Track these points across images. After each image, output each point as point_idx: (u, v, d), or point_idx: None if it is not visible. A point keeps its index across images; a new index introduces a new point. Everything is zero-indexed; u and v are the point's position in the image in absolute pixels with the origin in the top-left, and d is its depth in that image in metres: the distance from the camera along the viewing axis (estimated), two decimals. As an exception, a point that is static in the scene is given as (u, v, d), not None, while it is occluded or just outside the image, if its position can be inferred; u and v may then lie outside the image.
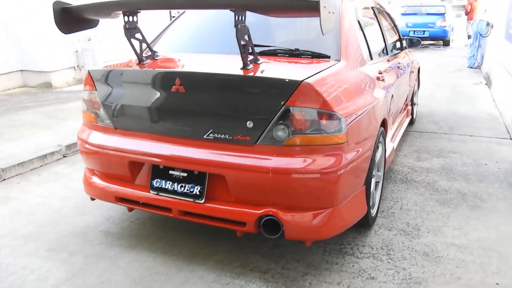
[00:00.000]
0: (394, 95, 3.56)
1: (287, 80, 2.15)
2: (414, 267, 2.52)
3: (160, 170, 2.46)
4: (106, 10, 2.39)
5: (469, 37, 11.93)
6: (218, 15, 3.11)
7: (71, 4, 2.45)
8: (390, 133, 3.55)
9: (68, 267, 2.56)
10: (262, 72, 2.32)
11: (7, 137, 4.88)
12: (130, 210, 2.77)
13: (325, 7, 1.95)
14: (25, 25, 7.64)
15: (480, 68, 9.95)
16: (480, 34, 9.84)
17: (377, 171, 3.04)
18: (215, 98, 2.29)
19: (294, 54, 2.74)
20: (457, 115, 5.98)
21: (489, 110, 6.25)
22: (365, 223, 2.82)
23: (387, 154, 3.27)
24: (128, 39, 2.46)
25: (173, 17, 3.43)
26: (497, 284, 2.37)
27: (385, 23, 4.15)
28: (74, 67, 8.15)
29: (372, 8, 3.82)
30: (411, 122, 5.36)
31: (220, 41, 2.97)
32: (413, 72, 4.98)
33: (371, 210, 2.87)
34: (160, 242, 2.81)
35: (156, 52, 2.73)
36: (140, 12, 2.44)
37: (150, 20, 4.38)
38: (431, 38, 15.06)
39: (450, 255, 2.64)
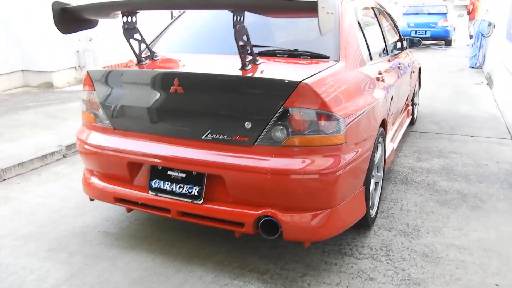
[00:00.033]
0: (394, 95, 3.55)
1: (285, 81, 2.15)
2: (413, 268, 2.51)
3: (159, 171, 2.46)
4: (104, 10, 2.39)
5: (471, 37, 11.91)
6: (217, 15, 3.11)
7: (70, 4, 2.45)
8: (390, 134, 3.54)
9: (68, 268, 2.56)
10: (260, 72, 2.32)
11: (8, 137, 4.89)
12: (129, 210, 2.77)
13: (323, 7, 1.94)
14: (26, 25, 7.66)
15: (481, 68, 9.93)
16: (482, 34, 9.82)
17: (377, 172, 3.04)
18: (214, 99, 2.28)
19: (293, 54, 2.74)
20: (458, 115, 5.96)
21: (490, 110, 6.24)
22: (365, 224, 2.81)
23: (387, 155, 3.27)
24: (127, 40, 2.46)
25: (175, 16, 3.42)
26: (496, 285, 2.37)
27: (385, 24, 4.14)
28: (75, 67, 8.16)
29: (372, 8, 3.81)
30: (412, 123, 5.35)
31: (219, 41, 2.97)
32: (413, 72, 4.97)
33: (371, 211, 2.86)
34: (159, 242, 2.81)
35: (155, 52, 2.73)
36: (138, 12, 2.44)
37: (152, 20, 4.39)
38: (433, 38, 15.03)
39: (450, 256, 2.64)
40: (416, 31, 14.76)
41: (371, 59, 3.13)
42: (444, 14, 14.99)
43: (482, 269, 2.50)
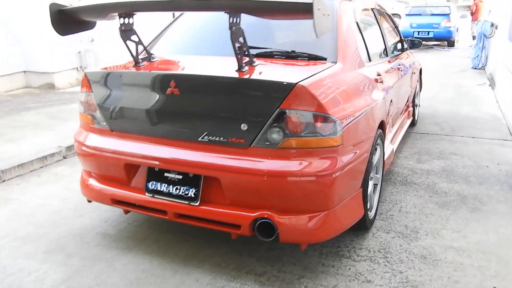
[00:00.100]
0: (394, 96, 3.54)
1: (281, 83, 2.14)
2: (411, 270, 2.50)
3: (156, 173, 2.45)
4: (101, 12, 2.40)
5: (473, 37, 11.88)
6: (215, 17, 3.10)
7: (67, 6, 2.46)
8: (389, 135, 3.53)
9: (65, 269, 2.56)
10: (257, 74, 2.32)
11: (9, 137, 4.90)
12: (126, 212, 2.77)
13: (319, 9, 1.94)
14: (26, 25, 7.67)
15: (484, 69, 9.89)
16: (484, 35, 9.78)
17: (376, 174, 3.03)
18: (210, 101, 2.28)
19: (290, 56, 2.73)
20: (460, 117, 5.94)
21: (492, 111, 6.21)
22: (363, 226, 2.80)
23: (386, 156, 3.26)
24: (124, 41, 2.47)
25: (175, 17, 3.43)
26: (495, 287, 2.36)
27: (385, 25, 4.13)
28: (77, 68, 8.18)
29: (372, 9, 3.80)
30: (413, 124, 5.33)
31: (217, 43, 2.96)
32: (414, 73, 4.95)
33: (369, 213, 2.86)
34: (157, 244, 2.81)
35: (152, 54, 2.73)
36: (135, 14, 2.44)
37: (151, 21, 4.40)
38: (435, 38, 14.96)
39: (448, 258, 2.62)
40: (418, 31, 14.71)
41: (370, 60, 3.12)
42: (447, 15, 14.92)
43: (480, 272, 2.49)
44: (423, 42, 15.14)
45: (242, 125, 2.19)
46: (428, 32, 14.68)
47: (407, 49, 4.74)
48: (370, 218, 2.90)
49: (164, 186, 2.42)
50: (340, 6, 2.95)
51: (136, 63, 2.59)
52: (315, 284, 2.39)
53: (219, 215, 2.32)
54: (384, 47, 3.78)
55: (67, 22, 2.49)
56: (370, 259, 2.61)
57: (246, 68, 2.31)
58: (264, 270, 2.51)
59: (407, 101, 4.65)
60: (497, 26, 9.14)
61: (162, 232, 2.95)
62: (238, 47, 2.24)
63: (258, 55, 2.66)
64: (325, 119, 2.15)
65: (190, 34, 3.28)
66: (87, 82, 2.63)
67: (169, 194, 2.41)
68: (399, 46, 4.53)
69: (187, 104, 2.33)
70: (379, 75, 3.09)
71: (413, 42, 4.84)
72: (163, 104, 2.36)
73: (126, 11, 2.38)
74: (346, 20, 2.91)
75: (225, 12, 2.16)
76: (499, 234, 2.90)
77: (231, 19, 2.14)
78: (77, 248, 2.79)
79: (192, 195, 2.35)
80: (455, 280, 2.41)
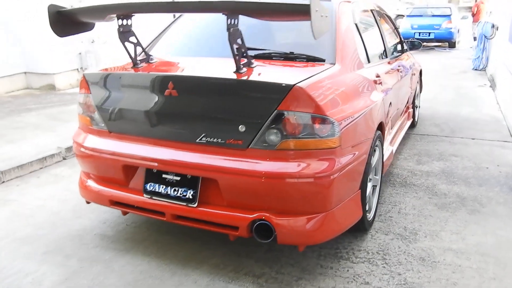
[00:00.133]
0: (393, 98, 3.53)
1: (279, 84, 2.14)
2: (409, 272, 2.50)
3: (154, 174, 2.45)
4: (100, 13, 2.40)
5: (474, 39, 11.87)
6: (214, 18, 3.10)
7: (66, 8, 2.46)
8: (388, 137, 3.52)
9: (63, 271, 2.56)
10: (254, 75, 2.31)
11: (9, 138, 4.91)
12: (125, 213, 2.77)
13: (317, 10, 1.93)
14: (27, 27, 7.68)
15: (485, 70, 9.88)
16: (485, 36, 9.77)
17: (375, 175, 3.03)
18: (208, 102, 2.28)
19: (288, 57, 2.73)
20: (460, 118, 5.93)
21: (492, 112, 6.20)
22: (362, 228, 2.80)
23: (385, 158, 3.25)
24: (122, 43, 2.47)
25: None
26: (493, 290, 2.35)
27: (385, 26, 4.12)
28: (77, 69, 8.19)
29: (371, 10, 3.80)
30: (413, 125, 5.32)
31: (216, 44, 2.96)
32: (414, 74, 4.94)
33: (368, 214, 2.85)
34: (155, 245, 2.80)
35: (151, 55, 2.73)
36: (134, 15, 2.45)
37: (150, 22, 4.40)
38: (436, 40, 14.95)
39: (447, 260, 2.62)
40: (419, 32, 14.70)
41: (369, 61, 3.12)
42: (448, 16, 14.91)
43: (479, 274, 2.48)
44: (424, 43, 15.15)
45: (240, 126, 2.19)
46: (429, 33, 14.67)
47: (407, 50, 4.73)
48: (369, 219, 2.89)
49: (162, 187, 2.42)
50: (339, 8, 2.95)
51: (135, 64, 2.59)
52: (313, 286, 2.39)
53: (217, 216, 2.32)
54: (383, 49, 3.77)
55: (65, 23, 2.49)
56: (369, 261, 2.61)
57: (244, 69, 2.31)
58: (262, 272, 2.51)
59: (407, 102, 4.65)
60: (497, 27, 9.14)
61: (161, 234, 2.95)
62: (236, 48, 2.24)
63: (257, 57, 2.66)
64: (323, 120, 2.15)
65: (188, 36, 3.29)
66: (85, 84, 2.63)
67: (167, 196, 2.41)
68: (398, 47, 4.53)
69: (185, 106, 2.33)
70: (378, 76, 3.09)
71: (413, 44, 4.84)
72: (161, 105, 2.36)
73: (124, 13, 2.38)
74: (345, 22, 2.91)
75: (223, 14, 2.16)
76: (498, 236, 2.89)
77: (229, 20, 2.14)
78: (76, 249, 2.79)
79: (190, 197, 2.35)
80: (454, 282, 2.41)
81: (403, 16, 16.82)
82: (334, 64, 2.59)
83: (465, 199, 3.43)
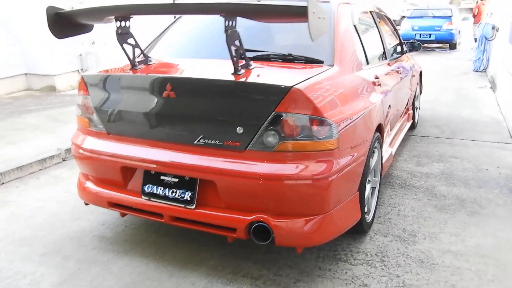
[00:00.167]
0: (392, 99, 3.53)
1: (277, 86, 2.14)
2: (408, 274, 2.49)
3: (152, 176, 2.45)
4: (98, 15, 2.40)
5: (475, 40, 11.85)
6: (213, 20, 3.10)
7: (64, 9, 2.46)
8: (387, 138, 3.52)
9: (61, 272, 2.56)
10: (252, 77, 2.31)
11: (10, 140, 4.91)
12: (123, 215, 2.77)
13: (314, 12, 1.93)
14: (28, 28, 7.68)
15: (485, 71, 9.87)
16: (486, 38, 9.76)
17: (374, 177, 3.02)
18: (206, 104, 2.28)
19: (287, 59, 2.73)
20: (460, 119, 5.92)
21: (493, 114, 6.19)
22: (360, 229, 2.79)
23: (384, 160, 3.24)
24: (120, 44, 2.47)
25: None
26: (492, 292, 2.34)
27: (384, 28, 4.12)
28: (78, 70, 8.19)
29: (371, 12, 3.79)
30: (413, 127, 5.31)
31: (215, 46, 2.96)
32: (414, 76, 4.94)
33: (367, 216, 2.85)
34: (154, 247, 2.80)
35: (150, 57, 2.73)
36: (132, 17, 2.45)
37: (150, 24, 4.40)
38: (437, 41, 14.95)
39: (446, 262, 2.61)
40: (420, 34, 14.69)
41: (368, 63, 3.12)
42: (449, 17, 14.91)
43: (477, 276, 2.47)
44: (425, 45, 15.14)
45: (238, 128, 2.18)
46: (430, 34, 14.66)
47: (406, 52, 4.73)
48: (368, 221, 2.88)
49: (160, 189, 2.42)
50: (338, 9, 2.95)
51: (133, 66, 2.59)
52: (311, 288, 2.38)
53: (215, 218, 2.31)
54: (382, 50, 3.77)
55: (64, 25, 2.49)
56: (367, 263, 2.60)
57: (242, 71, 2.31)
58: (260, 274, 2.51)
59: (407, 104, 4.64)
60: (498, 29, 9.13)
61: (160, 235, 2.94)
62: (234, 50, 2.24)
63: (255, 58, 2.66)
64: (321, 122, 2.15)
65: (187, 37, 3.29)
66: (84, 85, 2.63)
67: (165, 197, 2.40)
68: (398, 49, 4.52)
69: (183, 107, 2.33)
70: (377, 78, 3.08)
71: (413, 45, 4.83)
72: (159, 107, 2.36)
73: (122, 15, 2.39)
74: (343, 23, 2.91)
75: (220, 15, 2.16)
76: (497, 237, 2.88)
77: (226, 22, 2.14)
78: (74, 251, 2.79)
79: (188, 198, 2.35)
80: (452, 285, 2.40)
81: None
82: (333, 65, 2.59)
83: (464, 200, 3.42)
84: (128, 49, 2.54)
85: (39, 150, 4.50)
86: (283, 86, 2.12)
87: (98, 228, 3.06)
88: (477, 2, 16.85)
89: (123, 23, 2.43)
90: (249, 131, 2.17)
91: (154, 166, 2.41)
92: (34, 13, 7.43)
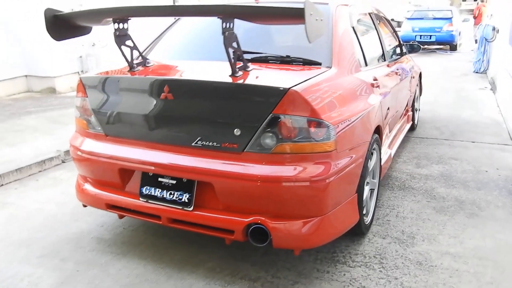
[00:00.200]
0: (391, 101, 3.53)
1: (274, 88, 2.14)
2: (406, 277, 2.48)
3: (150, 178, 2.45)
4: (96, 17, 2.41)
5: (476, 41, 11.84)
6: (211, 22, 3.10)
7: (62, 11, 2.47)
8: (386, 140, 3.51)
9: (59, 274, 2.56)
10: (250, 79, 2.31)
11: (9, 141, 4.92)
12: (121, 217, 2.77)
13: (311, 14, 1.93)
14: (29, 30, 7.69)
15: (486, 73, 9.86)
16: (486, 39, 9.75)
17: (372, 178, 3.02)
18: (203, 105, 2.28)
19: (285, 61, 2.73)
20: (460, 121, 5.91)
21: (493, 115, 6.18)
22: (359, 231, 2.79)
23: (383, 161, 3.24)
24: (118, 46, 2.47)
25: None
26: (490, 294, 2.34)
27: (383, 29, 4.12)
28: (78, 72, 8.20)
29: (370, 14, 3.79)
30: (412, 128, 5.31)
31: (213, 48, 2.95)
32: (413, 77, 4.93)
33: (365, 218, 2.84)
34: (152, 249, 2.80)
35: (148, 59, 2.74)
36: (130, 19, 2.45)
37: (149, 26, 4.41)
38: (438, 42, 14.91)
39: (444, 264, 2.60)
40: (421, 35, 14.67)
41: (366, 65, 3.12)
42: (449, 19, 14.88)
43: (476, 278, 2.47)
44: (425, 46, 15.11)
45: (235, 130, 2.18)
46: (430, 36, 14.64)
47: (406, 53, 4.72)
48: (366, 223, 2.88)
49: (158, 191, 2.42)
50: (336, 11, 2.95)
51: (131, 68, 2.59)
52: (309, 290, 2.38)
53: (213, 220, 2.31)
54: (381, 52, 3.77)
55: (62, 27, 2.49)
56: (366, 265, 2.60)
57: (240, 73, 2.31)
58: (258, 276, 2.50)
59: (406, 105, 4.64)
60: (498, 30, 9.12)
61: (158, 237, 2.94)
62: (232, 52, 2.24)
63: (253, 60, 2.66)
64: (318, 124, 2.15)
65: (185, 39, 3.29)
66: (82, 87, 2.64)
67: (163, 199, 2.40)
68: (397, 50, 4.52)
69: (181, 109, 2.33)
70: (375, 79, 3.08)
71: (412, 46, 4.83)
72: (157, 109, 2.36)
73: (120, 17, 2.39)
74: (342, 25, 2.91)
75: (218, 18, 2.16)
76: (496, 239, 2.87)
77: (224, 24, 2.14)
78: (72, 252, 2.79)
79: (186, 200, 2.35)
80: (450, 287, 2.39)
81: None
82: (331, 67, 2.59)
83: (463, 202, 3.42)
84: (127, 51, 2.54)
85: (38, 152, 4.51)
86: (280, 88, 2.12)
87: (96, 230, 3.06)
88: (477, 3, 16.87)
89: (121, 25, 2.43)
90: (246, 133, 2.17)
91: (152, 168, 2.41)
92: (34, 13, 7.42)
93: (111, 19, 2.41)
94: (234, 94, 2.24)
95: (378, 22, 4.00)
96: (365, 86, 2.85)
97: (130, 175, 2.55)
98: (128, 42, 2.52)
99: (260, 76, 2.42)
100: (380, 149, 3.10)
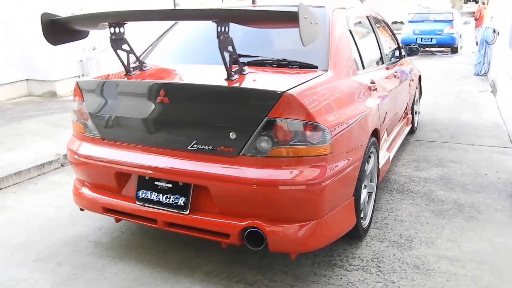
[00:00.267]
0: (390, 104, 3.52)
1: (269, 91, 2.14)
2: (403, 280, 2.47)
3: (146, 181, 2.45)
4: (92, 21, 2.41)
5: (477, 44, 11.82)
6: (207, 26, 3.10)
7: (59, 16, 2.48)
8: (384, 143, 3.51)
9: (55, 278, 2.56)
10: (245, 82, 2.31)
11: (9, 145, 4.93)
12: (118, 220, 2.77)
13: (305, 17, 1.93)
14: (31, 33, 7.72)
15: (486, 75, 9.84)
16: (486, 42, 9.75)
17: (370, 182, 3.01)
18: (199, 109, 2.28)
19: (281, 64, 2.73)
20: (460, 123, 5.90)
21: (493, 118, 6.16)
22: (356, 235, 2.78)
23: (381, 165, 3.23)
24: (114, 50, 2.47)
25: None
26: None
27: (382, 32, 4.12)
28: (78, 76, 8.21)
29: (367, 17, 3.79)
30: (412, 131, 5.30)
31: (209, 52, 2.94)
32: (413, 80, 4.93)
33: (363, 221, 2.83)
34: (149, 252, 2.80)
35: (144, 63, 2.74)
36: (126, 23, 2.45)
37: (148, 29, 4.41)
38: (438, 45, 14.91)
39: (442, 268, 2.59)
40: (421, 38, 14.66)
41: (363, 68, 3.11)
42: (450, 21, 14.88)
43: (473, 282, 2.45)
44: (426, 49, 15.11)
45: (231, 133, 2.18)
46: (431, 38, 14.63)
47: (404, 56, 4.72)
48: (364, 227, 2.87)
49: (154, 194, 2.42)
50: (333, 14, 2.95)
51: (127, 72, 2.59)
52: (306, 294, 2.37)
53: (209, 224, 2.31)
54: (379, 55, 3.76)
55: (58, 31, 2.50)
56: (363, 269, 2.59)
57: (236, 76, 2.31)
58: (255, 279, 2.50)
59: (406, 108, 4.63)
60: (498, 33, 9.11)
61: (155, 241, 2.94)
62: (228, 55, 2.24)
63: (249, 64, 2.66)
64: (314, 127, 2.14)
65: (182, 44, 3.29)
66: (79, 91, 2.64)
67: (159, 203, 2.40)
68: (396, 53, 4.51)
69: (177, 113, 2.33)
70: (373, 82, 3.07)
71: (411, 49, 4.82)
72: (153, 112, 2.36)
73: (116, 21, 2.39)
74: (338, 28, 2.91)
75: (212, 21, 2.16)
76: (494, 243, 2.86)
77: (219, 28, 2.15)
78: (69, 256, 2.78)
79: (182, 204, 2.34)
80: (448, 290, 2.38)
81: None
82: (327, 70, 2.58)
83: (462, 206, 3.41)
84: (123, 55, 2.54)
85: (38, 155, 4.51)
86: (276, 92, 2.12)
87: (94, 233, 3.06)
88: (479, 5, 16.86)
89: (117, 29, 2.44)
90: (242, 137, 2.17)
91: (148, 171, 2.41)
92: (34, 13, 7.42)
93: (107, 23, 2.41)
94: (229, 98, 2.24)
95: (377, 25, 4.00)
96: (362, 89, 2.85)
97: (127, 179, 2.55)
98: (125, 46, 2.52)
99: (256, 80, 2.42)
100: (378, 152, 3.10)
